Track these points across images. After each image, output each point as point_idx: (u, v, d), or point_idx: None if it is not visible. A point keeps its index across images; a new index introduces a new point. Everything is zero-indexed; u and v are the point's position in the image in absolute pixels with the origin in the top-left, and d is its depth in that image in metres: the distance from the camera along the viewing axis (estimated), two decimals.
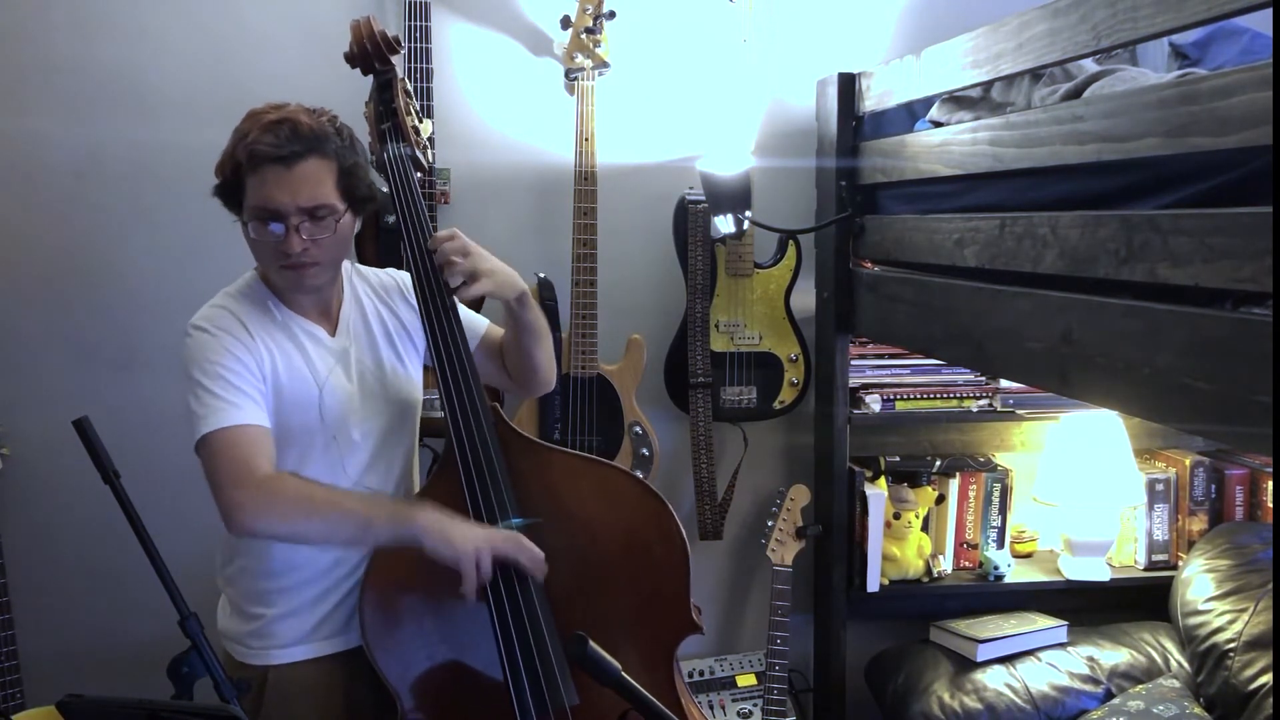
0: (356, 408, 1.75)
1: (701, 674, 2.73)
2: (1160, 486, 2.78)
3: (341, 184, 1.65)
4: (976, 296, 1.85)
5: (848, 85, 2.47)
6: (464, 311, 1.81)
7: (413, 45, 2.42)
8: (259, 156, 1.59)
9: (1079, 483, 2.67)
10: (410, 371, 1.85)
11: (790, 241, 2.66)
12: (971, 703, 2.49)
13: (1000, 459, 2.87)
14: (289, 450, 1.71)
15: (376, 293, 1.85)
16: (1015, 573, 2.77)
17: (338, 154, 1.64)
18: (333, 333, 1.77)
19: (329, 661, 1.78)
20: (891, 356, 2.72)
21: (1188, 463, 2.79)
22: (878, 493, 2.67)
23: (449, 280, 1.69)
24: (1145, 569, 2.80)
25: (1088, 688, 2.53)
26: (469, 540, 1.56)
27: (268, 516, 1.58)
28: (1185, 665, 2.57)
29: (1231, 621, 2.48)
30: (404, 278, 1.89)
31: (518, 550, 1.59)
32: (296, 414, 1.70)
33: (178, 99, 2.55)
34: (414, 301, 1.84)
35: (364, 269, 1.88)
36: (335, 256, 1.71)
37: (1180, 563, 2.74)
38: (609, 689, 1.23)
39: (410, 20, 2.43)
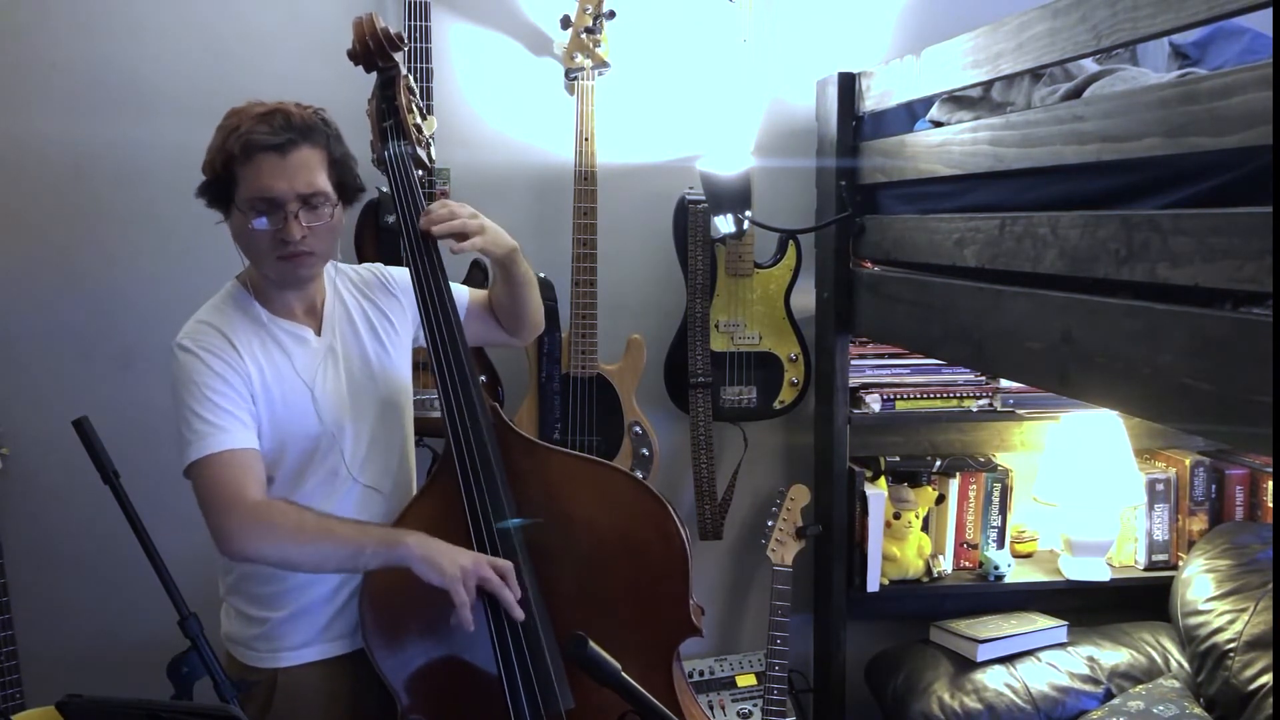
0: (349, 405, 1.76)
1: (701, 674, 2.73)
2: (1160, 486, 2.78)
3: (333, 173, 1.67)
4: (976, 296, 1.85)
5: (848, 85, 2.47)
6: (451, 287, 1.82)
7: (413, 45, 2.42)
8: (254, 145, 1.59)
9: (1079, 483, 2.67)
10: (397, 363, 1.86)
11: (790, 241, 2.66)
12: (971, 703, 2.49)
13: (1000, 459, 2.87)
14: (292, 458, 1.71)
15: (358, 287, 1.86)
16: (1015, 573, 2.77)
17: (328, 144, 1.67)
18: (318, 331, 1.77)
19: (337, 663, 1.79)
20: (891, 356, 2.72)
21: (1188, 463, 2.79)
22: (878, 493, 2.67)
23: (439, 244, 1.72)
24: (1145, 569, 2.80)
25: (1088, 688, 2.53)
26: (456, 565, 1.56)
27: (258, 544, 1.60)
28: (1185, 665, 2.57)
29: (1231, 621, 2.48)
30: (383, 270, 1.91)
31: (499, 586, 1.59)
32: (295, 421, 1.71)
33: (177, 98, 2.55)
34: (397, 294, 1.86)
35: (344, 265, 1.89)
36: (328, 248, 1.72)
37: (1180, 563, 2.74)
38: (607, 691, 1.23)
39: (410, 20, 2.43)
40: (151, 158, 2.55)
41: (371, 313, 1.84)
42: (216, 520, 1.60)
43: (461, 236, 1.71)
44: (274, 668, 1.76)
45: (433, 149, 1.88)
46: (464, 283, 2.15)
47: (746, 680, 2.72)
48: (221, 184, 1.64)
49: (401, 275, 1.88)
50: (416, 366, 1.98)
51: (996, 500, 2.80)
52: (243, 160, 1.60)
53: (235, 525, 1.59)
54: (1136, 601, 2.79)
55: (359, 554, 1.61)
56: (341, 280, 1.85)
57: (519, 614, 1.61)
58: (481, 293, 1.96)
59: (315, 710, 1.77)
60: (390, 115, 1.78)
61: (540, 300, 1.96)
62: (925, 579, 2.74)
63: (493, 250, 1.77)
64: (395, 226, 1.77)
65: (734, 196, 2.49)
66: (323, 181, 1.65)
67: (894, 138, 2.26)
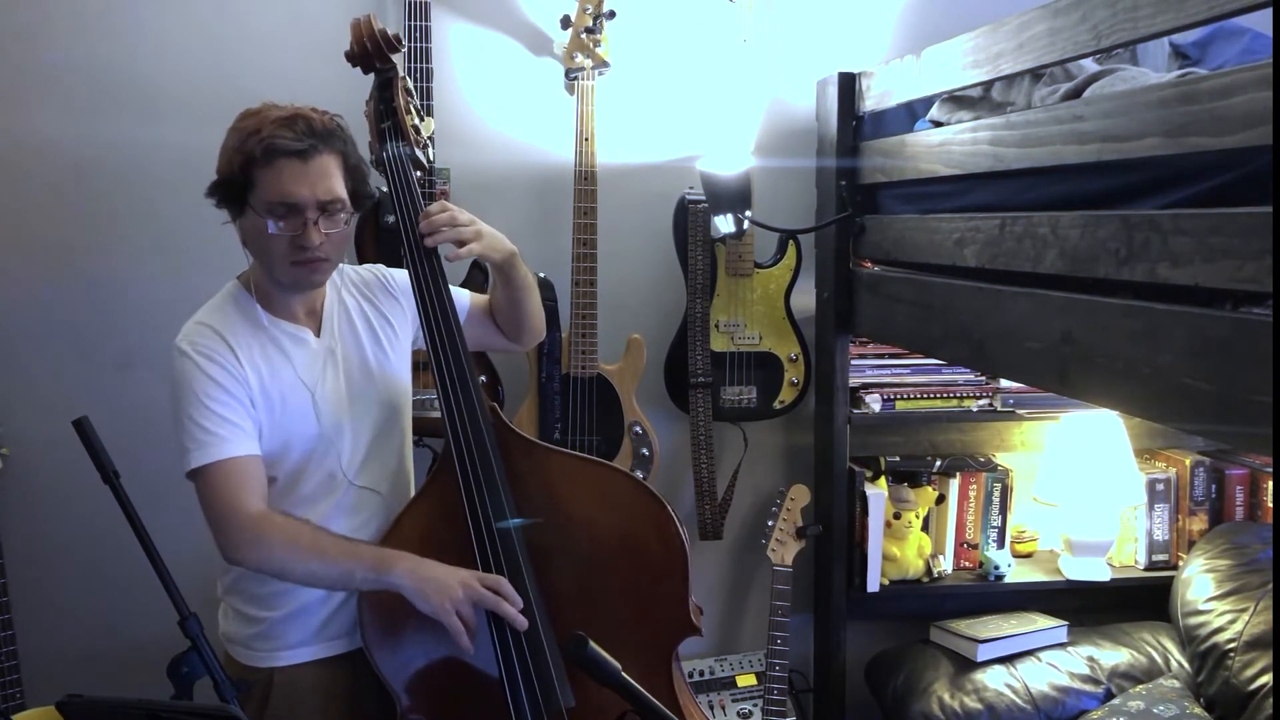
0: (348, 407, 1.76)
1: (701, 674, 2.73)
2: (1160, 486, 2.78)
3: (349, 181, 1.67)
4: (976, 296, 1.85)
5: (848, 85, 2.47)
6: (451, 290, 1.82)
7: (413, 45, 2.42)
8: (276, 150, 1.59)
9: (1079, 483, 2.67)
10: (396, 365, 1.85)
11: (790, 241, 2.66)
12: (971, 703, 2.49)
13: (1000, 459, 2.87)
14: (291, 459, 1.72)
15: (358, 288, 1.86)
16: (1015, 573, 2.77)
17: (344, 150, 1.67)
18: (318, 333, 1.77)
19: (335, 663, 1.79)
20: (891, 356, 2.72)
21: (1188, 463, 2.79)
22: (878, 493, 2.67)
23: (438, 247, 1.72)
24: (1145, 569, 2.80)
25: (1088, 688, 2.53)
26: (445, 594, 1.57)
27: (256, 556, 1.63)
28: (1185, 665, 2.57)
29: (1231, 621, 2.48)
30: (384, 271, 1.91)
31: (496, 602, 1.59)
32: (295, 423, 1.71)
33: (177, 98, 2.55)
34: (398, 295, 1.87)
35: (345, 266, 1.89)
36: (340, 254, 1.73)
37: (1180, 563, 2.74)
38: (607, 690, 1.23)
39: (410, 20, 2.43)
40: (151, 158, 2.56)
41: (372, 314, 1.84)
42: (215, 530, 1.63)
43: (458, 243, 1.72)
44: (271, 667, 1.76)
45: (431, 150, 1.88)
46: (463, 284, 2.15)
47: (746, 680, 2.72)
48: (237, 185, 1.63)
49: (402, 276, 1.87)
50: (416, 367, 1.98)
51: (996, 500, 2.80)
52: (263, 164, 1.60)
53: (233, 538, 1.62)
54: (1136, 601, 2.78)
55: (350, 576, 1.63)
56: (342, 281, 1.85)
57: (522, 624, 1.61)
58: (482, 297, 1.96)
59: (312, 710, 1.77)
60: (388, 117, 1.78)
61: (540, 306, 1.96)
62: (925, 579, 2.74)
63: (490, 256, 1.78)
64: (395, 227, 1.77)
65: (734, 196, 2.49)
66: (340, 189, 1.65)
67: (894, 138, 2.26)
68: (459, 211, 1.75)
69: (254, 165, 1.60)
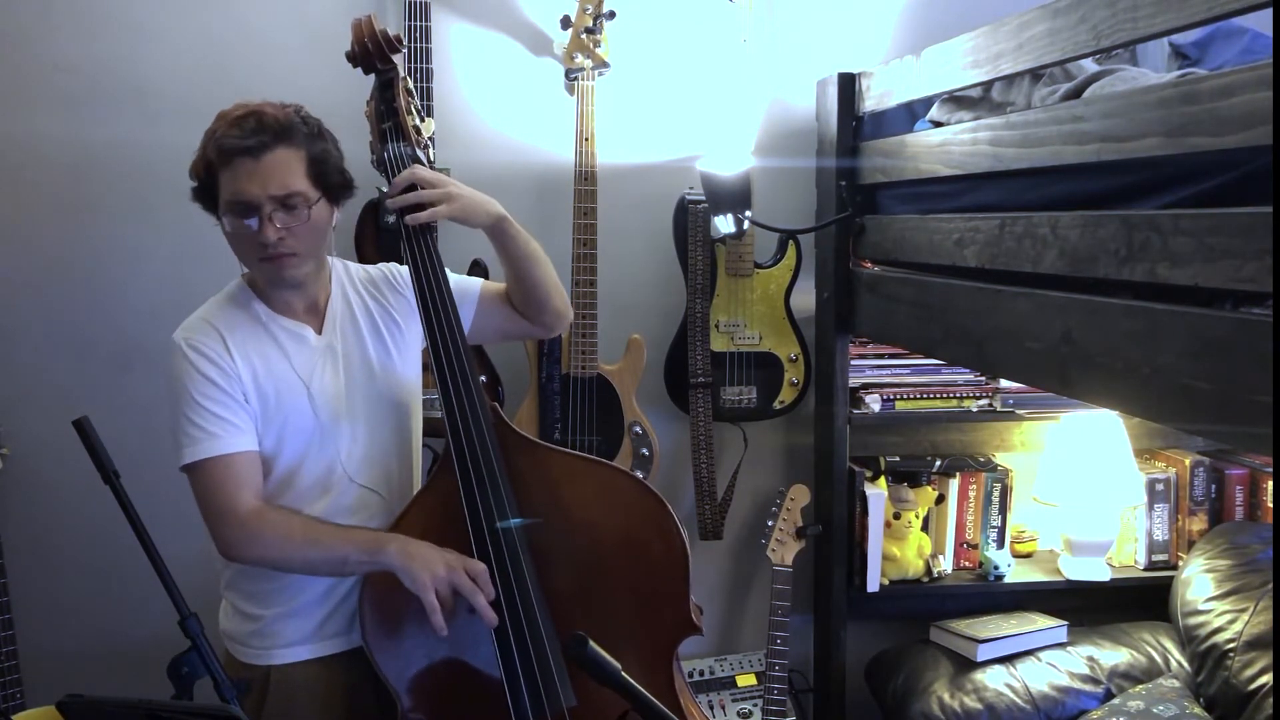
0: (346, 404, 1.75)
1: (701, 674, 2.73)
2: (1160, 486, 2.78)
3: (312, 172, 1.66)
4: (976, 296, 1.85)
5: (848, 85, 2.47)
6: (456, 281, 1.81)
7: (413, 45, 2.42)
8: (227, 150, 1.60)
9: (1079, 483, 2.67)
10: (401, 365, 1.84)
11: (790, 241, 2.66)
12: (971, 703, 2.49)
13: (1000, 459, 2.87)
14: (288, 455, 1.72)
15: (364, 286, 1.85)
16: (1015, 573, 2.77)
17: (305, 142, 1.65)
18: (319, 330, 1.77)
19: (332, 661, 1.79)
20: (891, 356, 2.72)
21: (1188, 463, 2.79)
22: (878, 493, 2.67)
23: (436, 234, 1.72)
24: (1145, 569, 2.80)
25: (1088, 688, 2.53)
26: (427, 570, 1.59)
27: (250, 552, 1.66)
28: (1185, 665, 2.57)
29: (1231, 621, 2.48)
30: (393, 269, 1.90)
31: (471, 590, 1.60)
32: (291, 419, 1.71)
33: (177, 98, 2.55)
34: (406, 293, 1.86)
35: (351, 265, 1.88)
36: (313, 247, 1.70)
37: (1180, 563, 2.74)
38: (608, 690, 1.23)
39: (410, 20, 2.43)
40: (151, 158, 2.55)
41: (377, 312, 1.83)
42: (210, 527, 1.66)
43: (429, 205, 1.69)
44: (268, 665, 1.76)
45: (432, 150, 1.87)
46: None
47: (746, 680, 2.72)
48: (206, 188, 1.66)
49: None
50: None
51: (996, 500, 2.80)
52: (220, 165, 1.62)
53: (228, 534, 1.65)
54: (1136, 601, 2.78)
55: (344, 562, 1.66)
56: (349, 279, 1.85)
57: (491, 619, 1.61)
58: (496, 284, 1.94)
59: (309, 708, 1.77)
60: (389, 117, 1.78)
61: (556, 279, 1.90)
62: (925, 579, 2.74)
63: (470, 220, 1.74)
64: (395, 226, 1.76)
65: (734, 196, 2.49)
66: (298, 182, 1.63)
67: (894, 138, 2.26)
68: (436, 176, 1.71)
69: (214, 167, 1.63)
